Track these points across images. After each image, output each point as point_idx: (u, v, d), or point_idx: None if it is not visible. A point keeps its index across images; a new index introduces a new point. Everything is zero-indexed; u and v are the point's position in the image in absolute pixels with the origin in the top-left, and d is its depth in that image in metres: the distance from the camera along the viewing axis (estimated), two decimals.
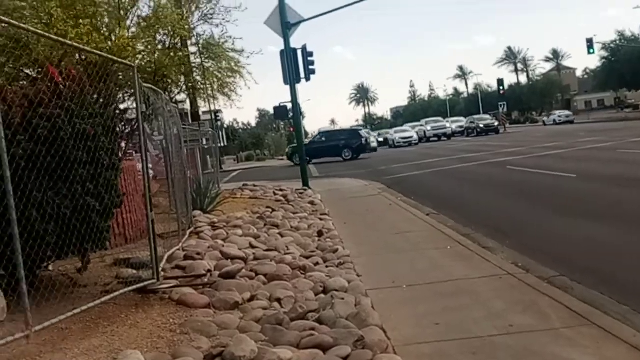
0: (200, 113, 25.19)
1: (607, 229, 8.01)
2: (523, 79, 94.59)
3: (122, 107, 6.65)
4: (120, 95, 8.41)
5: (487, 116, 53.91)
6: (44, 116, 4.42)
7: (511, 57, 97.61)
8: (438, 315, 4.93)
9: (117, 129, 5.46)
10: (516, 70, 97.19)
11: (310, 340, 4.29)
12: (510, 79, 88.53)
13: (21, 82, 7.80)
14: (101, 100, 5.00)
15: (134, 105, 6.60)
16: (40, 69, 5.25)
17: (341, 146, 34.16)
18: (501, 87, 58.78)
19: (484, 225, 9.18)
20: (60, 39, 4.93)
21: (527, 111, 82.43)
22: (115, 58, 5.46)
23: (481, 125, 49.72)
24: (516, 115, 79.59)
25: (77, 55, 8.38)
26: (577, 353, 3.86)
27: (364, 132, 37.77)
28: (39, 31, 4.28)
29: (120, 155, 5.51)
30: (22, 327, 4.23)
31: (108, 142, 5.01)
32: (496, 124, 50.22)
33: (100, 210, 5.08)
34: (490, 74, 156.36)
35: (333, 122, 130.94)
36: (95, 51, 4.96)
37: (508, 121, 58.95)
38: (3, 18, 3.89)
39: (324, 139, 35.87)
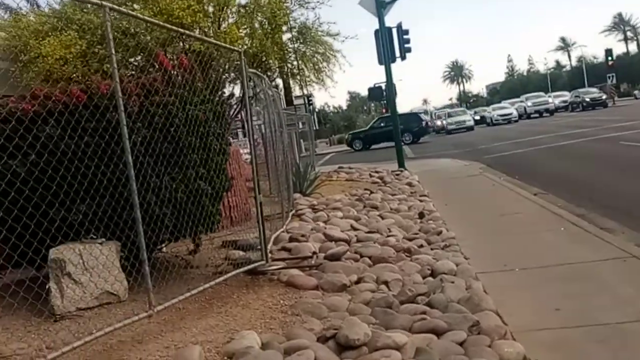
0: (293, 97, 25.51)
1: None
2: (633, 47, 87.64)
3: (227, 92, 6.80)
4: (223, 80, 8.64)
5: (594, 89, 50.47)
6: (159, 104, 4.59)
7: (620, 24, 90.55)
8: (557, 301, 4.64)
9: (226, 114, 5.59)
10: (625, 39, 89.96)
11: (423, 324, 4.18)
12: (618, 48, 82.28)
13: (129, 72, 8.22)
14: (211, 87, 5.11)
15: (237, 90, 6.75)
16: (148, 58, 5.46)
17: (401, 130, 33.55)
18: (609, 58, 54.70)
19: (599, 205, 8.59)
20: (180, 29, 5.07)
21: (639, 83, 76.35)
22: (225, 45, 5.56)
23: (587, 99, 46.64)
24: (625, 87, 74.03)
25: (180, 43, 8.66)
26: None
27: (423, 116, 36.86)
28: (157, 21, 4.43)
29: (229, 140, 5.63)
30: (143, 306, 4.44)
31: (218, 127, 5.14)
32: (604, 97, 46.91)
33: (211, 194, 5.23)
34: (595, 45, 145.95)
35: (425, 101, 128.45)
36: (207, 39, 5.07)
37: (616, 94, 54.77)
38: (128, 12, 4.06)
39: (382, 124, 35.10)
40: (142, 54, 7.08)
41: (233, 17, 11.11)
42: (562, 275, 5.34)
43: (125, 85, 4.38)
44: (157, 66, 5.08)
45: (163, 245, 5.74)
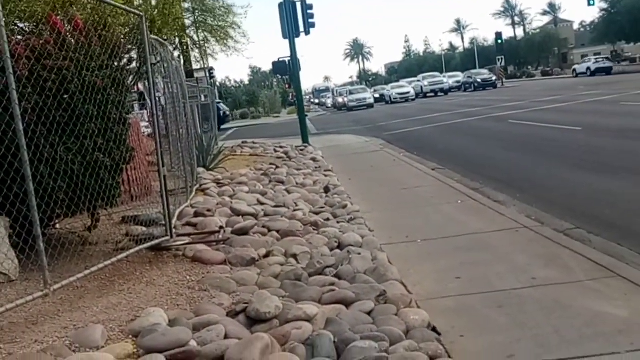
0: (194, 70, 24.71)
1: (619, 181, 7.93)
2: (520, 32, 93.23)
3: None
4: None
5: (485, 71, 53.30)
6: (52, 68, 4.22)
7: (508, 10, 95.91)
8: (458, 270, 4.87)
9: (126, 82, 5.27)
10: (513, 24, 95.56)
11: (332, 295, 4.23)
12: (506, 32, 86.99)
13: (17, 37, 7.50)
14: (109, 52, 4.78)
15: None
16: (36, 24, 5.00)
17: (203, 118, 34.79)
18: (499, 41, 57.81)
19: (491, 179, 9.11)
20: None
21: (524, 65, 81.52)
22: (125, 7, 5.21)
23: (479, 80, 49.16)
24: (512, 69, 78.75)
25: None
26: (607, 305, 3.80)
27: (222, 106, 38.88)
28: None
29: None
30: (37, 286, 4.15)
31: (118, 95, 4.83)
32: (494, 78, 49.66)
33: (110, 166, 4.93)
34: (486, 28, 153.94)
35: (327, 78, 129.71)
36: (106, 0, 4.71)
37: (505, 75, 58.08)
38: None
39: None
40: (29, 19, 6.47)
41: None
42: (461, 245, 5.60)
43: (13, 47, 3.98)
44: (48, 29, 4.66)
45: (58, 220, 5.37)
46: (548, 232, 5.73)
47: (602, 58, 49.07)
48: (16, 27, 8.27)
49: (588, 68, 46.99)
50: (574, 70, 50.61)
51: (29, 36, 4.32)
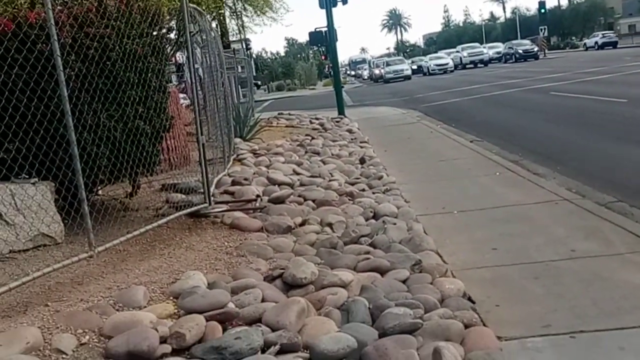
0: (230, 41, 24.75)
1: None
2: (564, 1, 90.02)
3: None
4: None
5: (526, 41, 51.73)
6: (94, 36, 4.30)
7: None
8: (495, 241, 4.83)
9: (166, 50, 5.33)
10: None
11: (367, 263, 4.26)
12: (550, 2, 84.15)
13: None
14: (149, 20, 4.83)
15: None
16: None
17: None
18: (542, 10, 55.94)
19: (531, 151, 8.92)
20: None
21: (568, 36, 78.88)
22: None
23: (520, 51, 47.81)
24: (555, 40, 76.29)
25: None
26: None
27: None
28: None
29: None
30: (82, 248, 4.29)
31: (157, 63, 4.90)
32: (535, 49, 48.20)
33: (151, 133, 5.03)
34: None
35: (363, 50, 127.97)
36: None
37: (547, 46, 56.31)
38: None
39: None
40: None
41: None
42: (498, 217, 5.55)
43: (57, 14, 4.06)
44: None
45: (100, 186, 5.52)
46: (589, 205, 5.62)
47: (610, 33, 56.24)
48: None
49: (596, 42, 52.97)
50: (585, 44, 57.14)
51: (72, 3, 4.37)
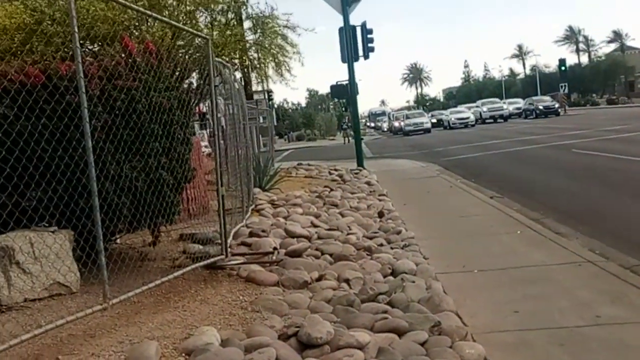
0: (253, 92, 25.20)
1: None
2: (584, 59, 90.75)
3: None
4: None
5: (547, 97, 51.92)
6: (122, 88, 4.40)
7: (572, 36, 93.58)
8: (517, 303, 4.69)
9: (191, 103, 5.42)
10: (577, 50, 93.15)
11: (384, 323, 4.15)
12: (570, 59, 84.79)
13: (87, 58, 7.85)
14: (177, 74, 4.94)
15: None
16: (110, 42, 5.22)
17: None
18: (562, 67, 56.39)
19: (553, 209, 8.79)
20: (147, 11, 4.87)
21: (588, 93, 79.13)
22: (192, 30, 5.39)
23: (540, 107, 47.94)
24: (575, 97, 76.53)
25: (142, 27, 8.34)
26: None
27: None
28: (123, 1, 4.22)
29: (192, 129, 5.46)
30: (96, 299, 4.26)
31: (182, 116, 4.98)
32: (556, 105, 48.34)
33: (172, 184, 5.06)
34: (548, 55, 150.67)
35: (383, 102, 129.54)
36: (175, 23, 4.89)
37: (568, 103, 56.45)
38: None
39: None
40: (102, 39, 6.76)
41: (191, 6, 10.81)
42: (520, 277, 5.41)
43: (86, 67, 4.18)
44: (120, 50, 4.87)
45: (119, 235, 5.53)
46: (613, 268, 5.46)
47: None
48: (88, 49, 8.67)
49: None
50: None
51: (102, 57, 4.50)
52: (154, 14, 4.87)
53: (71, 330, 3.95)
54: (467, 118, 45.82)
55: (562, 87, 54.21)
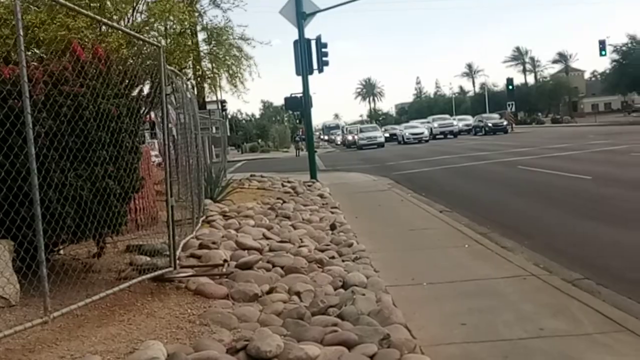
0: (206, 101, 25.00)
1: (629, 232, 7.82)
2: (531, 79, 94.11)
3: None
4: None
5: (496, 115, 53.57)
6: (68, 94, 4.27)
7: (519, 57, 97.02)
8: (464, 316, 4.77)
9: (141, 111, 5.31)
10: (524, 71, 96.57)
11: (334, 336, 4.14)
12: (517, 79, 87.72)
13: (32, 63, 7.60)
14: (127, 81, 4.84)
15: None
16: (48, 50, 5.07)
17: None
18: (510, 87, 58.32)
19: (499, 224, 9.03)
20: (98, 17, 4.75)
21: (534, 112, 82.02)
22: (144, 38, 5.29)
23: (489, 124, 49.38)
24: (522, 115, 79.20)
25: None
26: None
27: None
28: (76, 7, 4.10)
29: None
30: (37, 312, 4.10)
31: (132, 123, 4.87)
32: (505, 123, 49.90)
33: (119, 194, 4.93)
34: (496, 74, 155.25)
35: (337, 116, 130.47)
36: (127, 30, 4.79)
37: (515, 121, 58.32)
38: None
39: None
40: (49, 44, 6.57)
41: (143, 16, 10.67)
42: (468, 290, 5.51)
43: (31, 71, 4.04)
44: (67, 55, 4.73)
45: (63, 246, 5.34)
46: (556, 282, 5.64)
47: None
48: (35, 52, 8.41)
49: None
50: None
51: (49, 61, 4.36)
52: (103, 20, 4.76)
53: (9, 345, 3.78)
54: (422, 133, 46.64)
55: (509, 105, 56.03)
